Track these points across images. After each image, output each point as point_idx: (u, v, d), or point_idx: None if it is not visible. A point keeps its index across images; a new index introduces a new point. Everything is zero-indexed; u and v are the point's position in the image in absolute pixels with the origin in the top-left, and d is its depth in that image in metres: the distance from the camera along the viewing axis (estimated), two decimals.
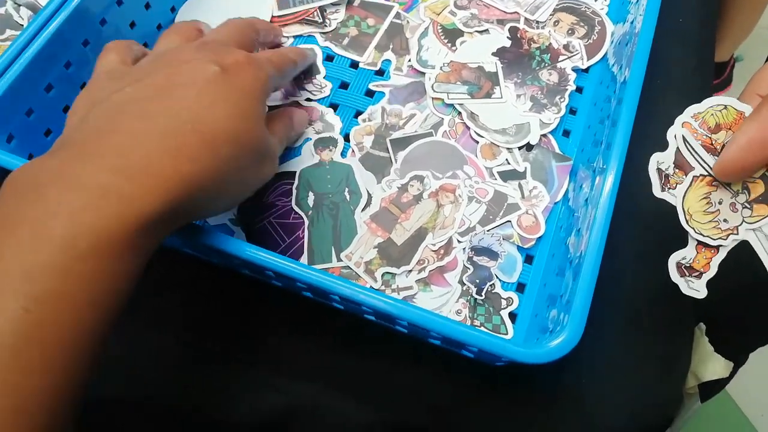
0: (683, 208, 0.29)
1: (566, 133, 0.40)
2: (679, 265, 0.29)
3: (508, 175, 0.38)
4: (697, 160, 0.29)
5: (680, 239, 0.37)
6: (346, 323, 0.34)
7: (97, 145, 0.24)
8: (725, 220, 0.28)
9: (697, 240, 0.28)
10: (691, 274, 0.28)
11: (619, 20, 0.43)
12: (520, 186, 0.38)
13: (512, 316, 0.35)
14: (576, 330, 0.27)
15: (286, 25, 0.43)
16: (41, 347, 0.20)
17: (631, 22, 0.40)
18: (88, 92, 0.30)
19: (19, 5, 0.43)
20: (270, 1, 0.44)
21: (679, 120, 0.29)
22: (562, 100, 0.40)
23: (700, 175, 0.29)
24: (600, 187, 0.31)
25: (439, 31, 0.43)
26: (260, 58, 0.30)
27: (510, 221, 0.36)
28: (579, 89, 0.42)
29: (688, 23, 0.45)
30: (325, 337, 0.35)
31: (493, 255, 0.35)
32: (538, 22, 0.43)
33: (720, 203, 0.28)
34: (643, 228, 0.37)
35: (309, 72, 0.41)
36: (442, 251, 0.35)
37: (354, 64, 0.42)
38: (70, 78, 0.37)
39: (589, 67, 0.42)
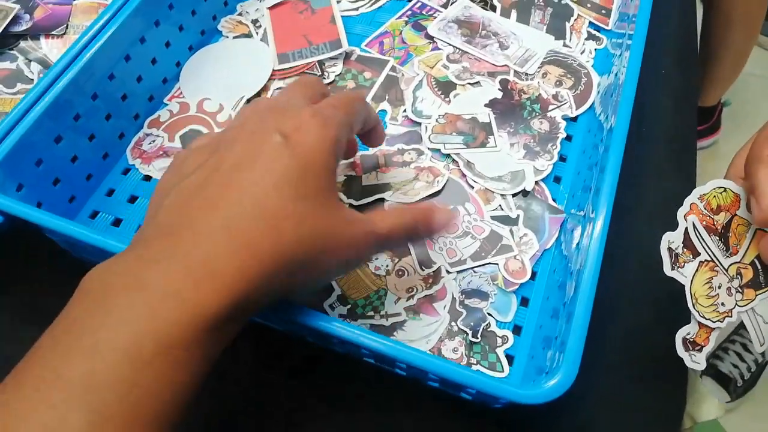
0: (691, 292, 0.31)
1: (557, 179, 0.42)
2: (684, 341, 0.30)
3: (500, 221, 0.39)
4: (704, 247, 0.31)
5: (673, 287, 0.38)
6: (347, 366, 0.35)
7: (162, 245, 0.24)
8: (723, 304, 0.30)
9: (699, 322, 0.30)
10: (694, 348, 0.30)
11: (604, 71, 0.45)
12: (511, 232, 0.39)
13: (509, 357, 0.35)
14: (570, 370, 0.28)
15: (286, 78, 0.45)
16: None
17: (616, 74, 0.42)
18: (168, 173, 0.29)
19: (30, 61, 0.45)
20: (271, 55, 0.46)
21: (687, 201, 0.32)
22: (554, 147, 0.42)
23: (705, 260, 0.31)
24: (591, 231, 0.33)
25: (433, 83, 0.45)
26: (325, 108, 0.29)
27: (498, 264, 0.38)
28: (568, 137, 0.43)
29: (670, 72, 0.48)
30: (326, 379, 0.35)
31: (483, 296, 0.36)
32: (527, 74, 0.45)
33: (719, 287, 0.31)
34: (636, 272, 0.38)
35: None
36: (430, 280, 0.36)
37: None
38: (79, 129, 0.39)
39: (577, 116, 0.44)
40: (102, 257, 0.25)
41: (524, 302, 0.37)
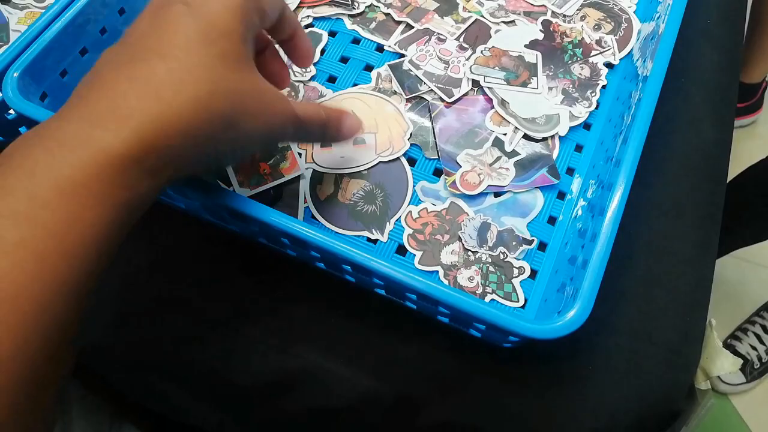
0: None
1: (587, 126, 0.40)
2: None
3: (497, 143, 0.39)
4: None
5: (700, 231, 0.37)
6: (358, 297, 0.34)
7: (68, 104, 0.24)
8: None
9: None
10: None
11: (646, 18, 0.43)
12: (497, 158, 0.38)
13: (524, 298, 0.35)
14: (585, 307, 0.27)
15: (314, 6, 0.44)
16: (7, 300, 0.19)
17: (657, 20, 0.40)
18: None
19: None
20: None
21: None
22: (593, 94, 0.41)
23: None
24: (616, 176, 0.31)
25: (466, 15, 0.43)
26: None
27: (461, 166, 0.38)
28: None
29: (716, 24, 0.45)
30: (336, 309, 0.35)
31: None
32: (565, 15, 0.44)
33: None
34: (661, 216, 0.37)
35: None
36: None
37: (380, 48, 0.43)
38: (105, 44, 0.38)
39: (614, 63, 0.42)
40: None
41: (542, 247, 0.36)
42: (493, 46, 0.42)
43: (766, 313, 1.14)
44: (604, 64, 0.42)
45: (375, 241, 0.36)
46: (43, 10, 0.43)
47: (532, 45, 0.42)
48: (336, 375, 0.33)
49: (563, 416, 0.32)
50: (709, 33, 0.45)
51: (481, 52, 0.42)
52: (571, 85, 0.41)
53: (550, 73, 0.41)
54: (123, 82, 0.24)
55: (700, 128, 0.41)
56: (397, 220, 0.36)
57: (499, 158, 0.38)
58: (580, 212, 0.36)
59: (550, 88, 0.41)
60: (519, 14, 0.43)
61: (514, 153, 0.38)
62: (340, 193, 0.37)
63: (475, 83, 0.41)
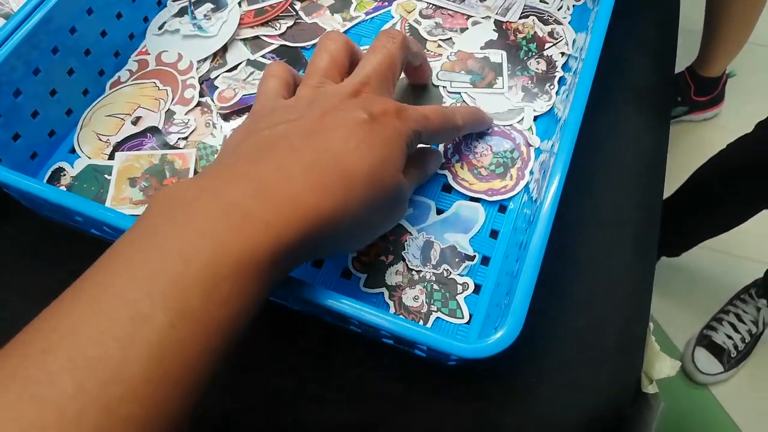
0: None
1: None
2: None
3: None
4: None
5: (638, 239, 0.37)
6: (298, 322, 0.35)
7: (244, 170, 0.26)
8: None
9: None
10: None
11: (581, 29, 0.44)
12: None
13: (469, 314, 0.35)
14: (515, 326, 0.27)
15: (254, 26, 0.44)
16: (180, 362, 0.21)
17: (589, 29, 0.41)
18: (246, 124, 0.31)
19: None
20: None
21: None
22: (551, 87, 0.42)
23: None
24: (548, 182, 0.32)
25: (407, 29, 0.44)
26: (410, 113, 0.31)
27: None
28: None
29: (648, 28, 0.46)
30: (276, 335, 0.35)
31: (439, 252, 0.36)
32: (510, 23, 0.44)
33: None
34: (600, 225, 0.38)
35: None
36: None
37: None
38: (38, 83, 0.38)
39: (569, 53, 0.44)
40: (64, 217, 0.24)
41: (485, 261, 0.37)
42: (459, 50, 0.43)
43: (739, 302, 1.15)
44: (559, 54, 0.43)
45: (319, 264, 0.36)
46: None
47: (489, 45, 0.43)
48: (280, 405, 0.33)
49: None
50: (642, 38, 0.46)
51: (447, 57, 0.43)
52: (529, 81, 0.42)
53: (509, 72, 0.42)
54: (298, 168, 0.26)
55: (635, 134, 0.42)
56: None
57: None
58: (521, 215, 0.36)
59: (510, 87, 0.42)
60: (456, 31, 0.44)
61: None
62: None
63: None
